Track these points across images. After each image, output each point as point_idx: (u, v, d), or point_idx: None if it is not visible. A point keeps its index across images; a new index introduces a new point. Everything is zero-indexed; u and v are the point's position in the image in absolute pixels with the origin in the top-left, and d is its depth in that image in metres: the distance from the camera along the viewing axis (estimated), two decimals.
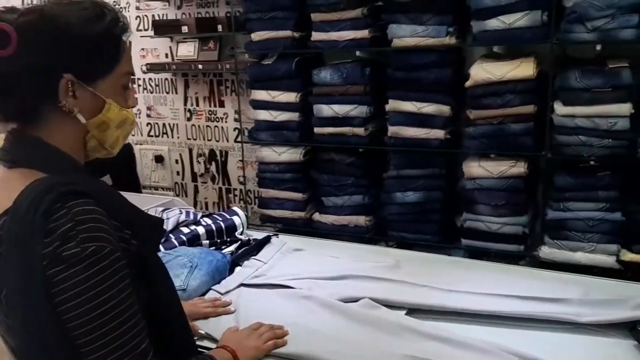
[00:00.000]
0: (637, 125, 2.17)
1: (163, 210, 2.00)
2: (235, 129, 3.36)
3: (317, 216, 2.86)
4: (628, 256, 2.23)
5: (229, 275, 1.68)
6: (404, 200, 2.63)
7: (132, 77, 1.06)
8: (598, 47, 2.17)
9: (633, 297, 1.41)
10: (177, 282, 1.53)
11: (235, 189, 3.48)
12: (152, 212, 1.65)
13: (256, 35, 2.77)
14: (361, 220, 2.75)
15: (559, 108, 2.24)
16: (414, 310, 1.47)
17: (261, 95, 2.82)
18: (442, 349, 1.28)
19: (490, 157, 2.42)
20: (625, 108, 2.14)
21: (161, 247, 1.73)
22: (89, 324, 0.85)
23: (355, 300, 1.49)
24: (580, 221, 2.29)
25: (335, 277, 1.61)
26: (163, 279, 1.05)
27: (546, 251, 2.37)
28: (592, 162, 2.26)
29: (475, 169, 2.44)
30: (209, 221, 1.95)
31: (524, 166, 2.36)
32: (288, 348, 1.31)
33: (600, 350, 1.29)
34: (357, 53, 2.61)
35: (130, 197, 1.05)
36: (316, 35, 2.65)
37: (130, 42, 1.05)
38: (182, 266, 1.60)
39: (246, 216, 2.04)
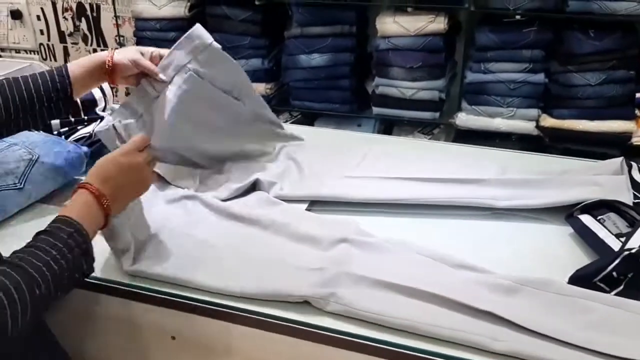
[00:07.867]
0: None
1: None
2: None
3: None
4: (548, 121, 2.08)
5: (87, 169, 1.33)
6: (309, 64, 2.32)
7: None
8: None
9: (554, 176, 1.22)
10: (11, 180, 1.19)
11: None
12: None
13: None
14: (261, 88, 2.44)
15: None
16: (314, 203, 1.21)
17: None
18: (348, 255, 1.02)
19: (406, 11, 2.15)
20: None
21: None
22: None
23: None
24: (501, 84, 2.10)
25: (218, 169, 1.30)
26: None
27: (463, 118, 2.18)
28: (517, 17, 2.02)
29: (390, 25, 2.15)
30: None
31: (443, 21, 2.09)
32: (180, 272, 0.99)
33: (523, 239, 1.09)
34: None
35: None
36: None
37: None
38: (18, 159, 1.24)
39: (113, 87, 1.64)
